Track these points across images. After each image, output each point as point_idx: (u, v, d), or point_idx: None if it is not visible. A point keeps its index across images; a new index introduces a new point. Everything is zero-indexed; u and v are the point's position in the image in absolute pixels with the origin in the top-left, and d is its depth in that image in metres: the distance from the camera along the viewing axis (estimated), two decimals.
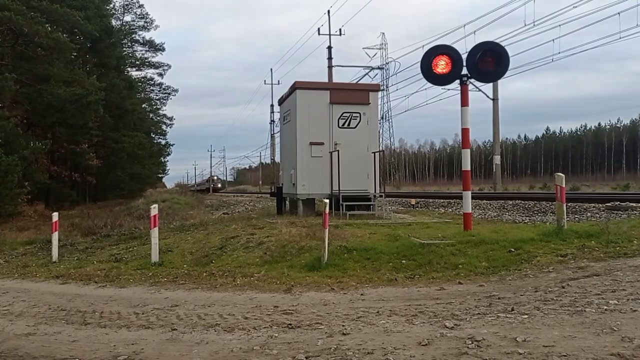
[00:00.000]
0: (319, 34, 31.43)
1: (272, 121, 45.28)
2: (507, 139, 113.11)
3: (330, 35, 31.02)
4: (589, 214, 11.77)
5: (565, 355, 3.01)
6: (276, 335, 4.19)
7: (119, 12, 48.88)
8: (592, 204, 12.81)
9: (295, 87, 13.96)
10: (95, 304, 5.92)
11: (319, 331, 4.21)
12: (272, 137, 44.54)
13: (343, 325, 4.30)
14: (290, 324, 4.50)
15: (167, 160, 66.68)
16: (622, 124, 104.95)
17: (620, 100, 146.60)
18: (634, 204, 11.67)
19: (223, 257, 8.75)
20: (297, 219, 11.90)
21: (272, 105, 44.96)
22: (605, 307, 3.95)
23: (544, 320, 3.81)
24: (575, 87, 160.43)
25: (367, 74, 36.50)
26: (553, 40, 26.88)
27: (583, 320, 3.69)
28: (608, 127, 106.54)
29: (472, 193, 9.73)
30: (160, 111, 59.75)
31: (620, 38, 22.85)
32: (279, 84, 46.88)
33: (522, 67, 31.26)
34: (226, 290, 6.44)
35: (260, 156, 61.06)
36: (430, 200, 20.06)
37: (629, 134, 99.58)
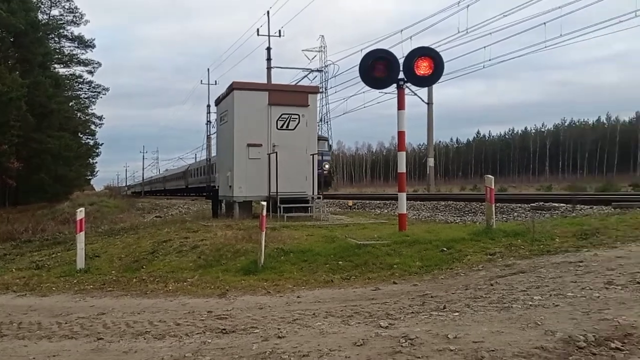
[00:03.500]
0: (257, 34, 31.12)
1: (209, 122, 44.39)
2: (440, 142, 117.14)
3: (269, 36, 30.81)
4: (515, 213, 12.29)
5: (493, 350, 3.09)
6: (209, 341, 4.07)
7: (46, 5, 46.22)
8: (519, 205, 13.39)
9: (233, 87, 13.74)
10: (13, 314, 5.54)
11: (254, 335, 4.14)
12: (209, 138, 43.71)
13: (279, 329, 4.25)
14: (224, 329, 4.39)
15: (96, 162, 63.47)
16: (546, 129, 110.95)
17: (542, 107, 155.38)
18: (556, 204, 12.29)
19: (154, 262, 8.47)
20: (233, 222, 11.72)
21: (208, 106, 44.04)
22: (530, 303, 4.10)
23: (473, 317, 3.91)
24: (501, 94, 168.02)
25: (306, 76, 36.54)
26: (484, 47, 27.93)
27: (510, 316, 3.81)
28: (533, 131, 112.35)
29: (407, 194, 9.92)
30: (89, 110, 57.07)
31: (545, 47, 24.05)
32: (215, 84, 45.94)
33: (454, 72, 32.27)
34: (157, 296, 6.23)
35: (196, 157, 59.74)
36: (367, 201, 20.34)
37: (552, 138, 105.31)
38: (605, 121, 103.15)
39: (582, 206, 11.63)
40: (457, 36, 25.72)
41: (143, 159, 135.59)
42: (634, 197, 13.79)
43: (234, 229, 10.17)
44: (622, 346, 2.96)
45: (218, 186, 15.64)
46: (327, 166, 27.73)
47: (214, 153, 34.74)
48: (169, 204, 31.62)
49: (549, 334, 3.25)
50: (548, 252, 6.54)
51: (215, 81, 45.71)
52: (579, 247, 6.53)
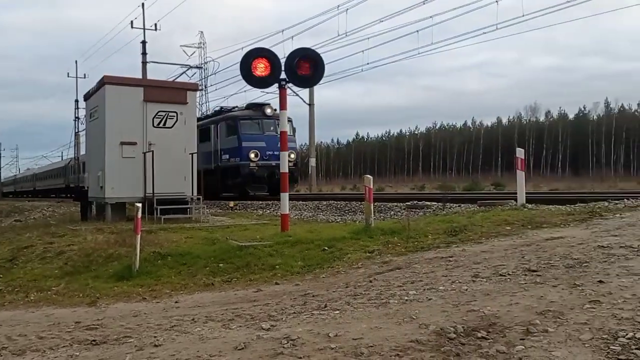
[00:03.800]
0: (132, 27, 29.58)
1: (77, 118, 41.16)
2: (322, 142, 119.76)
3: (144, 29, 29.40)
4: (392, 212, 12.86)
5: (372, 346, 3.17)
6: (77, 354, 3.75)
7: None
8: (395, 204, 14.02)
9: (105, 82, 12.94)
10: None
11: (128, 345, 3.88)
12: (77, 135, 40.57)
13: (155, 337, 4.02)
14: (94, 340, 4.07)
15: None
16: (419, 132, 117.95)
17: (415, 110, 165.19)
18: (428, 203, 13.04)
19: (14, 271, 7.71)
20: (105, 225, 11.05)
21: (76, 101, 40.79)
22: (405, 298, 4.27)
23: (353, 314, 3.99)
24: (379, 97, 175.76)
25: (184, 72, 35.34)
26: (363, 51, 28.96)
27: (387, 311, 3.94)
28: (408, 133, 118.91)
29: (289, 194, 9.97)
30: None
31: (419, 54, 25.51)
32: (85, 77, 42.67)
33: (334, 74, 32.98)
34: (17, 307, 5.66)
35: (62, 156, 55.03)
36: (249, 202, 20.19)
37: (424, 140, 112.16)
38: (471, 125, 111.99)
39: (452, 204, 12.46)
40: (336, 39, 26.49)
41: (0, 156, 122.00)
42: (496, 196, 15.11)
43: (106, 232, 9.60)
44: (487, 335, 3.17)
45: (88, 187, 14.64)
46: (292, 156, 20.54)
47: (83, 151, 32.43)
48: (32, 207, 28.96)
49: (422, 327, 3.40)
50: (422, 248, 6.89)
51: (85, 74, 42.31)
52: (449, 243, 6.95)
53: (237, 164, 21.14)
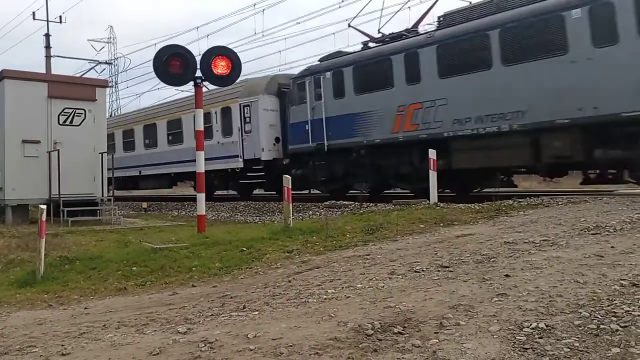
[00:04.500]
0: (34, 18, 27.77)
1: None
2: None
3: (48, 21, 27.68)
4: (310, 212, 12.97)
5: (291, 346, 3.16)
6: None
7: None
8: (314, 203, 14.15)
9: (4, 76, 12.16)
10: None
11: (32, 355, 3.62)
12: None
13: (62, 345, 3.78)
14: None
15: None
16: None
17: None
18: (346, 202, 13.27)
19: None
20: (5, 229, 10.32)
21: None
22: (324, 297, 4.31)
23: (272, 314, 3.97)
24: None
25: (93, 67, 33.61)
26: (280, 51, 29.05)
27: (307, 310, 3.95)
28: None
29: (206, 195, 9.77)
30: None
31: None
32: None
33: (251, 74, 32.70)
34: None
35: None
36: (164, 203, 19.63)
37: None
38: None
39: (369, 204, 12.75)
40: (253, 38, 26.46)
41: None
42: (410, 195, 15.63)
43: (7, 236, 8.99)
44: (403, 330, 3.26)
45: None
46: None
47: None
48: None
49: (341, 325, 3.43)
50: (340, 247, 6.99)
51: None
52: (367, 241, 7.10)
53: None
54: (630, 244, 4.86)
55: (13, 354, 3.72)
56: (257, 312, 4.07)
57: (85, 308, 5.22)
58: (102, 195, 12.81)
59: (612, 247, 4.83)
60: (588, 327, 2.99)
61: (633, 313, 3.12)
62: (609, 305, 3.29)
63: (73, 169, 12.11)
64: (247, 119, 16.89)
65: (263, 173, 16.69)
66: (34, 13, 27.89)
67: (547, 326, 3.05)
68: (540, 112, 10.32)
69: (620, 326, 2.96)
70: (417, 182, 12.76)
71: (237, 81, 10.91)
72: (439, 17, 13.00)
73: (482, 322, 3.25)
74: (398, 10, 16.78)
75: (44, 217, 6.96)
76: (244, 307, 4.30)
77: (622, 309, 3.20)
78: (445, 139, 11.92)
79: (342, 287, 4.55)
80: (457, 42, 11.72)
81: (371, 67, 13.58)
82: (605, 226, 5.81)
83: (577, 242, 5.22)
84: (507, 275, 4.19)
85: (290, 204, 8.85)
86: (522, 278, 4.07)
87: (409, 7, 18.17)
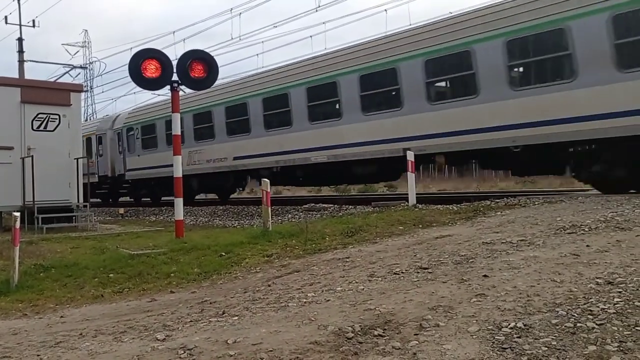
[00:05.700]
0: (6, 22, 27.30)
1: None
2: None
3: (20, 25, 27.22)
4: (290, 215, 12.93)
5: (272, 350, 3.14)
6: None
7: None
8: (293, 207, 14.13)
9: None
10: None
11: None
12: None
13: (38, 355, 3.70)
14: None
15: None
16: None
17: None
18: (325, 205, 13.28)
19: None
20: None
21: None
22: (304, 300, 4.29)
23: (252, 319, 3.94)
24: None
25: (67, 72, 33.18)
26: (257, 55, 29.03)
27: (287, 314, 3.93)
28: None
29: (184, 200, 9.68)
30: None
31: None
32: None
33: (229, 77, 32.58)
34: None
35: None
36: (141, 208, 19.39)
37: None
38: None
39: (348, 206, 12.78)
40: (230, 42, 26.39)
41: None
42: (389, 197, 15.72)
43: None
44: (383, 332, 3.26)
45: None
46: None
47: None
48: None
49: (322, 329, 3.42)
50: (320, 250, 6.98)
51: None
52: (346, 244, 7.10)
53: None
54: (605, 243, 4.94)
55: None
56: (236, 318, 4.03)
57: (62, 317, 5.13)
58: (78, 201, 12.62)
59: (587, 245, 4.90)
60: (565, 326, 3.03)
61: (608, 311, 3.17)
62: (585, 304, 3.33)
63: (48, 175, 11.89)
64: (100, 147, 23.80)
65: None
66: (6, 17, 27.51)
67: (525, 325, 3.08)
68: None
69: (597, 324, 3.00)
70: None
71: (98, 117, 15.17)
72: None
73: (462, 322, 3.27)
74: None
75: (17, 225, 6.82)
76: (224, 313, 4.26)
77: (598, 307, 3.25)
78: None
79: (322, 291, 4.54)
80: None
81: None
82: (581, 225, 5.89)
83: (554, 241, 5.29)
84: (485, 276, 4.22)
85: (269, 208, 8.81)
86: (500, 278, 4.10)
87: None
